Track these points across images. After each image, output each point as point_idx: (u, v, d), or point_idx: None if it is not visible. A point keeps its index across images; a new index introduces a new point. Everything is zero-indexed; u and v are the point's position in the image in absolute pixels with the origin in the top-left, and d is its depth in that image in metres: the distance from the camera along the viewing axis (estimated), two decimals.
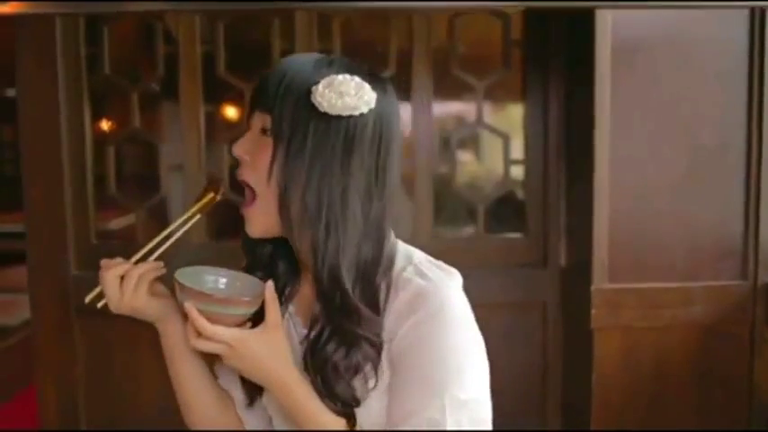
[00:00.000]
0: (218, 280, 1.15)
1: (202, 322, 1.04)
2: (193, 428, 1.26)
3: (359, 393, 1.09)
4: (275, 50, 2.77)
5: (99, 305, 1.16)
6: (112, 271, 1.13)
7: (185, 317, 1.07)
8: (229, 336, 1.05)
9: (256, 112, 1.11)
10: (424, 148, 2.84)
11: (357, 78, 1.07)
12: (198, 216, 1.19)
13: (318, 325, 1.11)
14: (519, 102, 2.91)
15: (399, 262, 1.14)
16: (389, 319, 1.09)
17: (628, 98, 2.42)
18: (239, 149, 1.11)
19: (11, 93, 4.23)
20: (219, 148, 2.86)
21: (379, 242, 1.11)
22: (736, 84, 2.44)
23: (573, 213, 2.74)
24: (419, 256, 1.16)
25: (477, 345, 1.10)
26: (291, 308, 1.21)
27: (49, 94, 2.71)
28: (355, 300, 1.08)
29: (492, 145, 2.99)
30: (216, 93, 2.90)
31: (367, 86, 1.07)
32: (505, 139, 2.90)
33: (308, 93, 1.06)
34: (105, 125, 3.02)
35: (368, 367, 1.09)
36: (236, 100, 3.00)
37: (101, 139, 2.91)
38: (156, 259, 1.18)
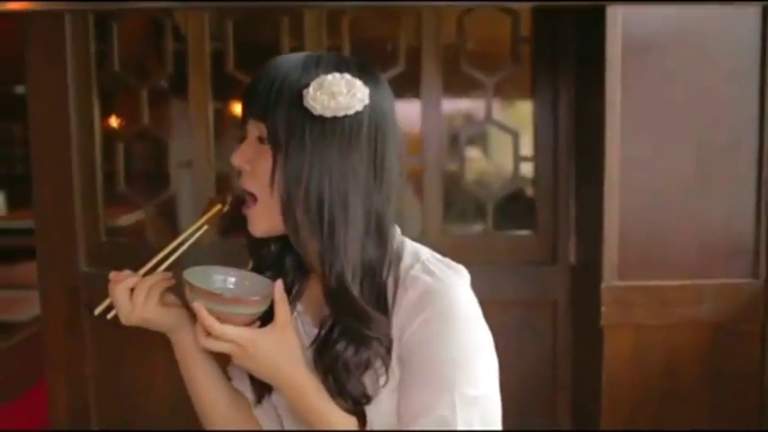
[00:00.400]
0: (226, 279, 1.15)
1: (212, 322, 1.03)
2: (212, 429, 1.26)
3: (369, 390, 1.09)
4: (284, 48, 2.77)
5: (109, 316, 1.16)
6: (122, 284, 1.13)
7: (195, 317, 1.07)
8: (239, 335, 1.05)
9: (250, 120, 1.10)
10: (433, 145, 2.83)
11: (347, 76, 1.05)
12: (205, 227, 1.18)
13: (328, 324, 1.11)
14: (528, 99, 2.90)
15: (407, 259, 1.13)
16: (398, 317, 1.09)
17: (638, 95, 2.40)
18: (239, 159, 1.11)
19: (20, 90, 4.25)
20: (228, 145, 2.87)
21: (383, 237, 1.10)
22: (747, 82, 2.42)
23: (583, 211, 2.73)
24: (427, 253, 1.15)
25: (486, 342, 1.10)
26: (300, 307, 1.21)
27: (59, 91, 2.72)
28: (362, 301, 1.07)
29: (501, 142, 2.98)
30: (225, 90, 2.90)
31: (358, 83, 1.05)
32: (515, 136, 2.89)
33: (300, 97, 1.05)
34: (114, 122, 3.03)
35: (378, 363, 1.09)
36: None
37: (110, 135, 2.92)
38: (164, 270, 1.17)
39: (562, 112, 2.80)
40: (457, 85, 2.87)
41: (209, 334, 1.05)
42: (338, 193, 1.05)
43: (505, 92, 2.95)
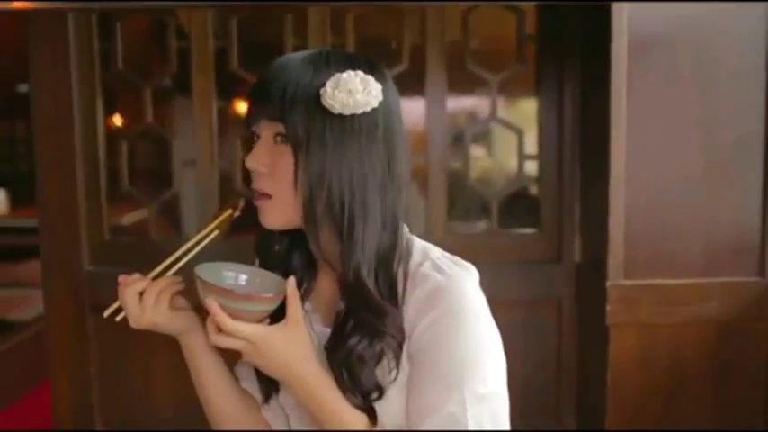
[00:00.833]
0: (238, 276, 1.15)
1: (224, 318, 1.03)
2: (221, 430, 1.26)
3: (382, 382, 1.09)
4: (288, 46, 2.77)
5: (118, 318, 1.15)
6: (131, 287, 1.13)
7: (205, 318, 1.06)
8: (251, 332, 1.04)
9: (263, 121, 1.09)
10: (437, 144, 2.82)
11: (360, 73, 1.06)
12: (216, 233, 1.17)
13: (341, 318, 1.11)
14: (533, 97, 2.89)
15: (416, 257, 1.14)
16: (407, 314, 1.10)
17: (644, 93, 2.39)
18: (255, 162, 1.09)
19: (24, 88, 4.25)
20: (232, 144, 2.86)
21: (395, 231, 1.12)
22: (754, 79, 2.41)
23: (588, 209, 2.72)
24: (436, 251, 1.16)
25: (494, 340, 1.11)
26: (308, 305, 1.20)
27: (62, 89, 2.72)
28: (377, 295, 1.08)
29: (506, 140, 2.98)
30: (228, 88, 2.90)
31: (371, 80, 1.06)
32: (519, 135, 2.89)
33: (317, 96, 1.05)
34: (118, 120, 3.02)
35: (390, 355, 1.09)
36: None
37: (114, 134, 2.91)
38: (174, 274, 1.17)
39: (567, 110, 2.79)
40: (461, 83, 2.86)
41: (220, 330, 1.05)
42: (358, 190, 1.07)
43: (510, 90, 2.94)
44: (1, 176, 5.81)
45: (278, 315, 1.07)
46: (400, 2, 2.76)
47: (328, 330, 1.14)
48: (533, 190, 2.99)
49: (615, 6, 2.34)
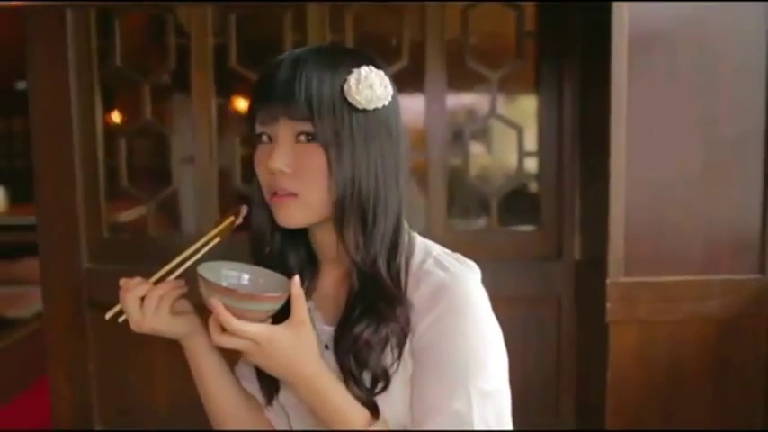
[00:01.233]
0: (240, 276, 1.13)
1: (229, 318, 1.01)
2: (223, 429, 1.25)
3: (389, 370, 1.09)
4: (287, 43, 2.76)
5: (120, 320, 1.14)
6: (133, 292, 1.12)
7: (208, 315, 1.05)
8: (256, 332, 1.03)
9: (283, 120, 1.07)
10: (436, 141, 2.82)
11: (374, 68, 1.08)
12: (217, 239, 1.17)
13: (349, 306, 1.11)
14: (533, 93, 2.89)
15: (419, 254, 1.14)
16: (412, 311, 1.10)
17: (644, 90, 2.39)
18: (281, 163, 1.07)
19: (22, 85, 4.24)
20: (231, 141, 2.85)
21: (400, 222, 1.14)
22: (754, 77, 2.41)
23: (588, 206, 2.72)
24: (437, 248, 1.16)
25: (497, 336, 1.11)
26: (311, 303, 1.19)
27: (61, 86, 2.71)
28: (389, 281, 1.10)
29: (505, 137, 2.97)
30: (227, 85, 2.89)
31: (383, 74, 1.08)
32: (519, 131, 2.88)
33: (341, 92, 1.06)
34: (117, 117, 3.02)
35: (394, 342, 1.09)
36: (248, 92, 2.98)
37: (112, 131, 2.91)
38: (176, 278, 1.16)
39: (567, 106, 2.79)
40: (461, 79, 2.86)
41: (223, 330, 1.04)
42: (381, 185, 1.09)
43: (510, 87, 2.93)
44: None
45: (278, 314, 1.07)
46: (400, 1, 2.76)
47: (330, 328, 1.14)
48: (533, 187, 2.98)
49: (615, 3, 2.34)
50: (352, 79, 1.05)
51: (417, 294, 1.10)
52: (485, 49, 2.88)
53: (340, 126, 1.05)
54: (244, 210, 1.17)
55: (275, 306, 1.05)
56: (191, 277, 1.10)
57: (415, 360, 1.09)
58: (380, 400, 1.10)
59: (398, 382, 1.10)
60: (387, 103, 1.08)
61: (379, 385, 1.09)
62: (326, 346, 1.14)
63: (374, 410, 1.10)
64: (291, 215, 1.10)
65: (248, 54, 2.79)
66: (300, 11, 2.75)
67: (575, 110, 2.77)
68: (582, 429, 2.80)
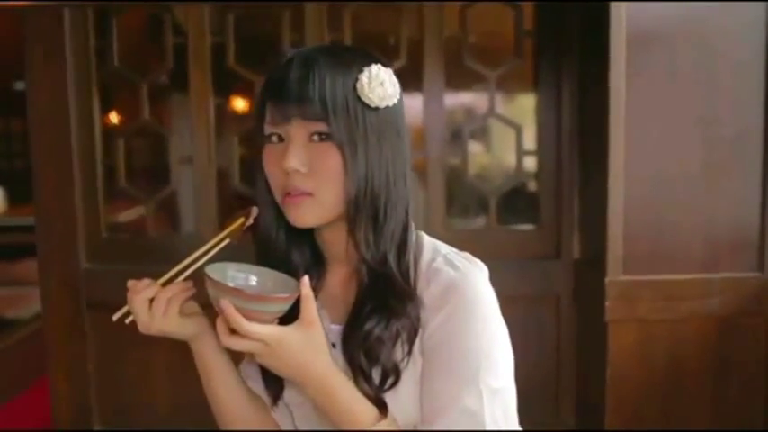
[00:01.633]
0: (248, 277, 1.13)
1: (240, 320, 1.01)
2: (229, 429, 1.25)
3: (399, 366, 1.09)
4: (285, 42, 2.76)
5: (127, 321, 1.13)
6: (141, 295, 1.11)
7: (215, 315, 1.04)
8: (267, 333, 1.02)
9: (296, 120, 1.07)
10: (435, 140, 2.82)
11: (381, 66, 1.09)
12: (227, 241, 1.16)
13: (359, 303, 1.12)
14: (531, 92, 2.89)
15: (428, 253, 1.15)
16: (422, 308, 1.10)
17: (643, 89, 2.39)
18: (297, 162, 1.07)
19: (20, 86, 4.23)
20: (229, 140, 2.85)
21: (408, 218, 1.15)
22: (753, 74, 2.41)
23: (587, 205, 2.72)
24: (446, 247, 1.17)
25: (504, 334, 1.12)
26: (317, 303, 1.19)
27: (59, 86, 2.71)
28: (399, 277, 1.11)
29: (504, 136, 2.97)
30: (225, 84, 2.89)
31: (391, 72, 1.10)
32: (518, 130, 2.88)
33: (354, 91, 1.07)
34: (115, 117, 3.01)
35: (404, 337, 1.09)
36: (246, 92, 2.99)
37: (110, 131, 2.91)
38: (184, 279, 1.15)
39: (565, 105, 2.78)
40: (459, 78, 2.86)
41: (232, 332, 1.03)
42: (393, 182, 1.10)
43: (508, 86, 2.93)
44: None
45: (288, 315, 1.06)
46: (399, 1, 2.76)
47: (337, 327, 1.14)
48: (532, 186, 2.98)
49: (613, 2, 2.33)
50: (363, 78, 1.07)
51: (428, 292, 1.10)
52: (483, 48, 2.87)
53: (354, 125, 1.06)
54: (254, 211, 1.16)
55: (285, 307, 1.05)
56: (198, 278, 1.10)
57: (424, 357, 1.09)
58: (389, 398, 1.10)
59: (408, 379, 1.10)
60: (396, 101, 1.10)
61: (389, 381, 1.09)
62: (333, 345, 1.13)
63: (383, 408, 1.09)
64: (305, 214, 1.10)
65: (246, 53, 2.78)
66: (298, 10, 2.74)
67: (573, 108, 2.77)
68: (581, 428, 2.80)
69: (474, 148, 3.05)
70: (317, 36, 2.73)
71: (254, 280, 1.13)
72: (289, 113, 1.07)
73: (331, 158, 1.06)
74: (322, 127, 1.06)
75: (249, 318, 1.01)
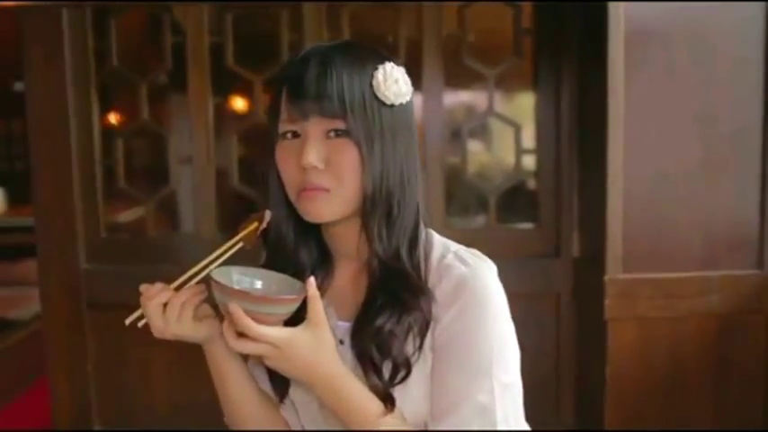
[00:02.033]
0: (253, 280, 1.12)
1: (249, 323, 1.01)
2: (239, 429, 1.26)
3: (411, 359, 1.10)
4: (284, 42, 2.76)
5: (140, 324, 1.13)
6: (155, 300, 1.11)
7: (222, 318, 1.04)
8: (277, 336, 1.03)
9: (314, 117, 1.08)
10: (434, 138, 2.82)
11: (394, 64, 1.11)
12: (240, 245, 1.16)
13: (370, 298, 1.12)
14: (530, 91, 2.89)
15: (438, 249, 1.16)
16: (434, 304, 1.11)
17: (641, 86, 2.39)
18: (315, 158, 1.07)
19: (19, 87, 4.23)
20: (228, 140, 2.85)
21: (419, 213, 1.16)
22: (751, 71, 2.41)
23: (586, 203, 2.72)
24: (455, 244, 1.18)
25: (512, 329, 1.13)
26: (324, 300, 1.19)
27: (57, 87, 2.71)
28: (411, 272, 1.12)
29: (503, 134, 2.97)
30: (224, 84, 2.89)
31: (403, 70, 1.12)
32: (517, 129, 2.88)
33: (370, 88, 1.09)
34: (114, 118, 3.01)
35: (415, 331, 1.09)
36: (245, 91, 2.99)
37: (109, 131, 2.91)
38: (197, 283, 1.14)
39: (564, 104, 2.78)
40: (458, 77, 2.86)
41: (240, 335, 1.03)
42: (406, 178, 1.12)
43: (507, 84, 2.93)
44: None
45: (294, 317, 1.06)
46: (398, 0, 2.76)
47: (344, 324, 1.15)
48: (531, 184, 2.98)
49: (612, 1, 2.33)
50: (379, 75, 1.08)
51: (439, 288, 1.11)
52: (482, 47, 2.87)
53: (371, 122, 1.08)
54: (268, 215, 1.16)
55: (292, 308, 1.04)
56: (209, 282, 1.10)
57: (435, 353, 1.10)
58: (398, 393, 1.10)
59: (417, 375, 1.10)
60: (409, 98, 1.12)
61: (400, 375, 1.09)
62: (341, 342, 1.13)
63: (390, 403, 1.10)
64: (321, 209, 1.11)
65: (245, 53, 2.79)
66: (297, 9, 2.74)
67: (572, 107, 2.77)
68: (581, 426, 2.80)
69: (473, 146, 3.05)
70: (316, 36, 2.73)
71: (258, 283, 1.13)
72: (307, 110, 1.08)
73: (348, 155, 1.08)
74: (339, 124, 1.07)
75: (257, 320, 1.02)
